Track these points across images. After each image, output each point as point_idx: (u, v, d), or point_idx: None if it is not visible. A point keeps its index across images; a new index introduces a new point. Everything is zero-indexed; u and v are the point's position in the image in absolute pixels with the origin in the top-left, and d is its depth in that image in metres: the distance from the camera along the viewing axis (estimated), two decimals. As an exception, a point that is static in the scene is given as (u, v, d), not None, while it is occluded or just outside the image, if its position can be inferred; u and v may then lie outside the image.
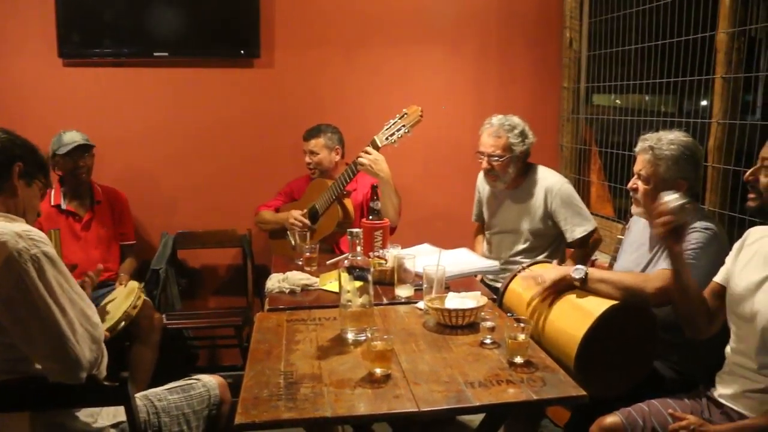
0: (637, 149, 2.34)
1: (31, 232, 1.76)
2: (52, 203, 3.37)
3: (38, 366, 1.76)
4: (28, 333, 1.71)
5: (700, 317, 2.03)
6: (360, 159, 3.09)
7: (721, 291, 2.03)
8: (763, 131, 2.43)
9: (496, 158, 3.02)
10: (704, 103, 2.81)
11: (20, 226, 1.79)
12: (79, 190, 3.42)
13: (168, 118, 3.81)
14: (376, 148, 3.08)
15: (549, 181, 3.11)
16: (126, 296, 2.91)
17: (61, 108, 3.68)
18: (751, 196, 1.88)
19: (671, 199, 1.93)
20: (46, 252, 1.74)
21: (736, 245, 2.04)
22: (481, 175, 3.37)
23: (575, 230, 3.05)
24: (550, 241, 3.17)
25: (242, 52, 3.77)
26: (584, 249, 3.13)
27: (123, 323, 2.72)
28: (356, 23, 3.85)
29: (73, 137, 3.29)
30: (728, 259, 2.05)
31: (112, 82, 3.73)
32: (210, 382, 2.21)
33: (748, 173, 1.89)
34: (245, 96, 3.84)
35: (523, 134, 3.04)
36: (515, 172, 3.09)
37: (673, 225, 1.91)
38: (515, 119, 3.07)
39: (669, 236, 1.93)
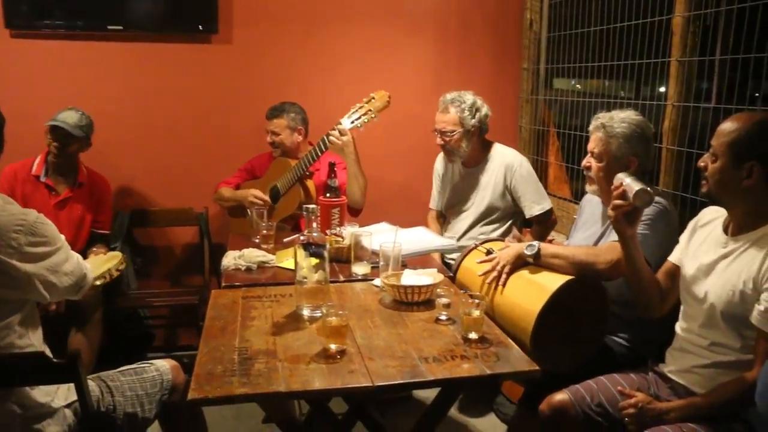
0: (590, 128, 2.38)
1: (10, 202, 1.82)
2: (33, 172, 3.28)
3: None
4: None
5: (653, 297, 2.07)
6: (332, 138, 3.06)
7: (676, 271, 2.08)
8: (715, 115, 2.48)
9: (448, 133, 3.11)
10: (662, 89, 2.85)
11: None
12: (62, 167, 3.31)
13: (122, 94, 3.70)
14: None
15: (509, 158, 3.20)
16: (108, 259, 2.83)
17: (8, 81, 3.55)
18: (704, 182, 1.91)
19: (628, 182, 1.94)
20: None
21: (690, 225, 2.08)
22: (438, 157, 3.42)
23: (533, 207, 3.16)
24: (507, 218, 3.25)
25: (200, 27, 3.67)
26: (543, 227, 3.19)
27: (101, 281, 2.65)
28: (315, 0, 3.80)
29: (62, 116, 3.20)
30: (682, 239, 2.09)
31: (64, 56, 3.61)
32: (163, 366, 2.18)
33: (699, 160, 1.92)
34: (203, 72, 3.76)
35: (474, 108, 3.11)
36: (471, 147, 3.16)
37: (627, 209, 1.94)
38: (467, 95, 3.14)
39: (622, 220, 1.96)
